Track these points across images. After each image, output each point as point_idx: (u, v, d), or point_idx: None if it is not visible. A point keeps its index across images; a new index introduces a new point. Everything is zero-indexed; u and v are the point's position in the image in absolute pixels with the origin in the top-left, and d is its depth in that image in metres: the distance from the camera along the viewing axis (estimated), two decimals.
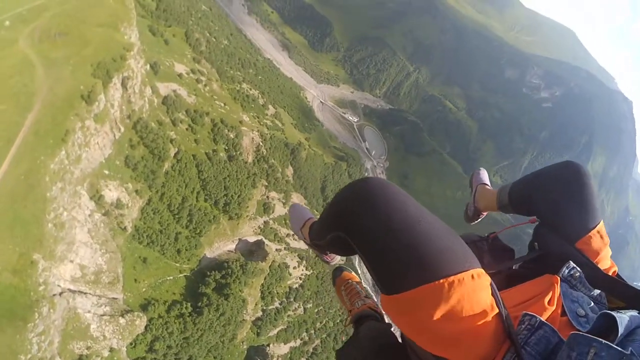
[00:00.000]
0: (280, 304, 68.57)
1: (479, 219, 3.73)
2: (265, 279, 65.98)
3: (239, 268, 61.06)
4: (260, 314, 65.74)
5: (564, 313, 1.64)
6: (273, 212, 74.65)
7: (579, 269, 1.91)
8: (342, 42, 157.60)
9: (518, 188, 2.69)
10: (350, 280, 3.60)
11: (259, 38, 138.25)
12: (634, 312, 1.52)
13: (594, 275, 1.98)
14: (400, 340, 2.10)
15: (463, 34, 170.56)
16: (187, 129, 64.07)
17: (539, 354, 1.38)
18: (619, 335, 1.32)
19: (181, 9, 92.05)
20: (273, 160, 79.03)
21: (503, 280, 2.06)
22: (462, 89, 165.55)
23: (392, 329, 2.37)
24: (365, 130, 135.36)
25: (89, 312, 44.84)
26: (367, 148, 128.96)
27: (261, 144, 77.25)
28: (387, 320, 2.87)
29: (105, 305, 47.05)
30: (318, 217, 2.43)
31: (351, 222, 1.59)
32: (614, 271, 2.23)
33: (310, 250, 3.24)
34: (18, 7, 50.43)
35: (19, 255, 36.86)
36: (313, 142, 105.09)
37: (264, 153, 77.07)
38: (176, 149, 59.64)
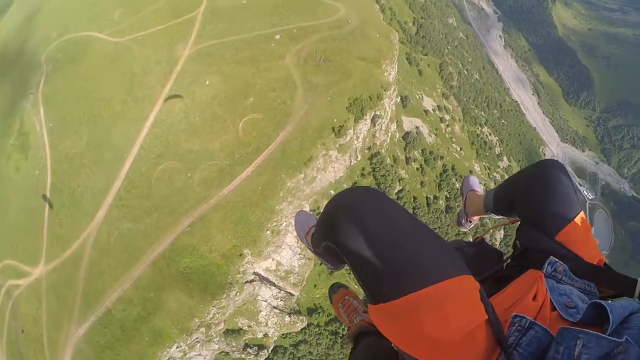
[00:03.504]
0: None
1: (471, 225, 3.58)
2: None
3: None
4: None
5: (554, 308, 1.49)
6: None
7: (561, 262, 1.77)
8: (600, 101, 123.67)
9: (500, 191, 2.59)
10: (347, 297, 3.30)
11: (510, 75, 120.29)
12: (625, 299, 1.44)
13: (579, 266, 1.83)
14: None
15: None
16: (417, 169, 57.22)
17: (531, 354, 1.27)
18: (611, 324, 1.22)
19: (439, 36, 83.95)
20: (487, 220, 65.59)
21: (492, 284, 1.86)
22: None
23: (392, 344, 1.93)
24: (597, 214, 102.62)
25: (265, 300, 44.34)
26: None
27: None
28: None
29: (281, 300, 46.08)
30: None
31: (338, 233, 1.49)
32: (600, 260, 1.99)
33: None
34: (289, 24, 50.21)
35: (233, 246, 36.85)
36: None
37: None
38: (401, 187, 53.47)
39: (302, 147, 39.88)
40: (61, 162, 43.35)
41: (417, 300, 1.23)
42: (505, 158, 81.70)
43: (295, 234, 43.02)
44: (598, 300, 1.34)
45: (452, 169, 60.53)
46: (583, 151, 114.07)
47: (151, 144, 41.48)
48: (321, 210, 1.82)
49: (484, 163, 73.08)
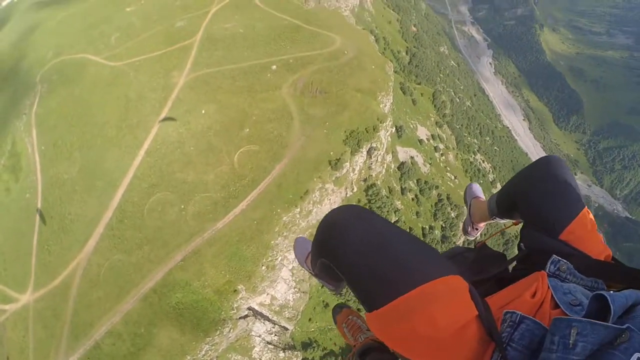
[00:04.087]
0: None
1: (478, 232, 3.56)
2: None
3: None
4: None
5: (557, 307, 1.44)
6: None
7: (565, 261, 1.71)
8: (590, 124, 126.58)
9: (502, 194, 2.55)
10: (351, 316, 3.28)
11: (501, 101, 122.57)
12: (630, 290, 1.39)
13: (586, 264, 1.78)
14: None
15: None
16: (412, 199, 56.82)
17: (525, 348, 1.27)
18: (612, 313, 1.19)
19: (432, 64, 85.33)
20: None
21: (494, 286, 1.84)
22: None
23: (398, 358, 2.02)
24: None
25: (259, 336, 42.79)
26: None
27: None
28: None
29: (275, 334, 44.58)
30: None
31: (328, 248, 1.60)
32: (608, 255, 1.95)
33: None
34: (286, 54, 50.15)
35: (227, 281, 35.92)
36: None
37: (477, 237, 63.64)
38: (397, 218, 52.95)
39: (299, 181, 39.25)
40: (52, 187, 42.41)
41: (407, 302, 1.27)
42: (498, 184, 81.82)
43: (290, 267, 42.50)
44: (599, 292, 1.27)
45: (447, 198, 60.27)
46: (575, 174, 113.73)
47: (144, 173, 40.71)
48: None
49: None
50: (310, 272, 2.73)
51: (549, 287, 1.51)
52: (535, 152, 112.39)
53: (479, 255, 2.29)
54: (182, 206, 37.90)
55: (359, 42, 55.03)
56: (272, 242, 36.73)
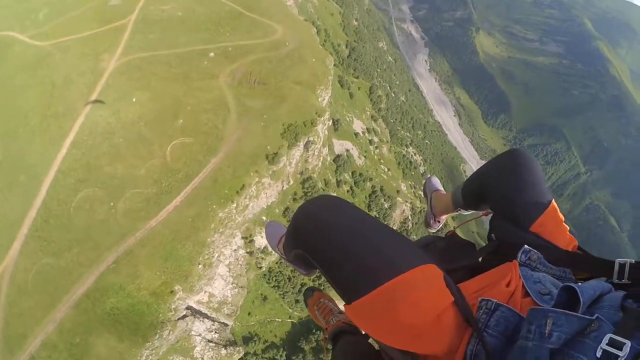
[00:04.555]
0: None
1: (439, 225, 3.61)
2: None
3: None
4: None
5: (527, 295, 1.50)
6: None
7: (535, 251, 1.77)
8: (517, 123, 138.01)
9: (469, 185, 2.56)
10: (322, 299, 3.32)
11: (433, 97, 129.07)
12: (596, 281, 1.49)
13: (555, 254, 1.84)
14: (377, 347, 1.97)
15: None
16: (347, 191, 58.12)
17: (500, 334, 1.32)
18: (582, 304, 1.25)
19: (370, 59, 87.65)
20: (414, 236, 68.97)
21: (466, 274, 1.85)
22: (633, 208, 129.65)
23: (369, 339, 2.19)
24: None
25: (199, 335, 42.09)
26: None
27: (409, 218, 67.70)
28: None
29: (215, 332, 44.00)
30: None
31: (303, 241, 1.61)
32: (574, 245, 2.01)
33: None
34: (225, 41, 48.57)
35: (163, 282, 34.50)
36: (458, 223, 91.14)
37: (409, 227, 67.40)
38: None
39: (235, 175, 38.38)
40: None
41: (386, 292, 1.29)
42: (428, 175, 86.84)
43: (227, 262, 41.75)
44: (568, 284, 1.34)
45: (381, 189, 62.73)
46: None
47: (70, 167, 37.49)
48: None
49: (409, 182, 76.85)
50: (283, 258, 2.75)
51: (520, 277, 1.57)
52: (464, 146, 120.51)
53: (450, 244, 2.33)
54: (112, 203, 35.53)
55: (300, 34, 54.45)
56: (208, 239, 35.81)
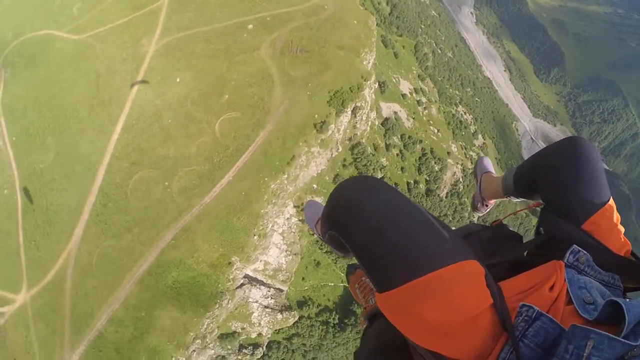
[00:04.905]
0: None
1: (488, 209, 3.44)
2: None
3: None
4: None
5: (571, 302, 1.37)
6: None
7: (585, 252, 1.60)
8: (571, 77, 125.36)
9: (522, 171, 2.38)
10: (364, 278, 3.13)
11: (482, 52, 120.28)
12: None
13: (605, 258, 1.66)
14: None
15: None
16: (397, 155, 56.49)
17: (538, 346, 1.20)
18: (627, 324, 1.12)
19: (413, 15, 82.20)
20: (466, 199, 66.32)
21: (507, 269, 1.72)
22: None
23: None
24: None
25: (256, 302, 43.86)
26: None
27: (461, 180, 64.91)
28: None
29: (271, 298, 45.69)
30: None
31: (339, 224, 1.49)
32: (628, 250, 1.82)
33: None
34: (262, 11, 47.10)
35: (220, 255, 35.81)
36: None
37: (460, 189, 64.75)
38: (382, 175, 52.90)
39: (284, 147, 38.31)
40: (30, 179, 40.57)
41: (420, 287, 1.21)
42: (480, 136, 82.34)
43: (280, 231, 42.41)
44: (614, 299, 1.22)
45: (431, 151, 60.37)
46: (555, 126, 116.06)
47: (123, 151, 39.20)
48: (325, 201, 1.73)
49: (460, 143, 73.20)
50: (320, 238, 2.62)
51: (565, 280, 1.40)
52: (515, 103, 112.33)
53: (495, 235, 2.13)
54: (167, 183, 36.90)
55: None
56: (262, 210, 36.47)
